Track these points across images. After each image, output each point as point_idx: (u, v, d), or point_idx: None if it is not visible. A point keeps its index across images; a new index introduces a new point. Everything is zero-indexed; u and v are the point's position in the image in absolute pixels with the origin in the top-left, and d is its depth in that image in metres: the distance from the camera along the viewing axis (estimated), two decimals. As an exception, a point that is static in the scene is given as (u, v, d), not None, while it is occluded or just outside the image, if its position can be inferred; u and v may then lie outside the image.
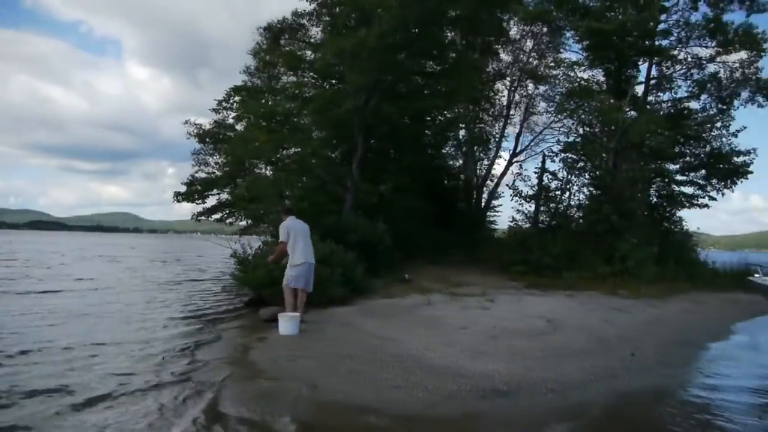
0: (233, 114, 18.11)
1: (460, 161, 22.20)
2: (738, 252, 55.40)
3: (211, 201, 20.81)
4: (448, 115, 19.06)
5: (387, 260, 13.71)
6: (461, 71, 15.60)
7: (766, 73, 18.76)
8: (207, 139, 20.98)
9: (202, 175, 20.83)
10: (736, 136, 19.38)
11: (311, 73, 15.85)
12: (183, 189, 20.42)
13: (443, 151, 21.01)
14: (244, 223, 20.37)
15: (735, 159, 19.22)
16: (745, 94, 19.00)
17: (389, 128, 14.88)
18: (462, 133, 21.67)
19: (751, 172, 19.25)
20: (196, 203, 20.78)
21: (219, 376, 6.38)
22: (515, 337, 8.43)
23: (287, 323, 8.27)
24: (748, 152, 19.08)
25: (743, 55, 18.45)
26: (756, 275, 10.72)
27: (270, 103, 15.47)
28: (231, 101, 17.35)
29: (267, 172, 16.52)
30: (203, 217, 21.18)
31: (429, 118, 18.29)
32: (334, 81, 15.78)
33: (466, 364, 6.98)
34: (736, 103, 19.26)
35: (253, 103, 14.95)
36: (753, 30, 17.67)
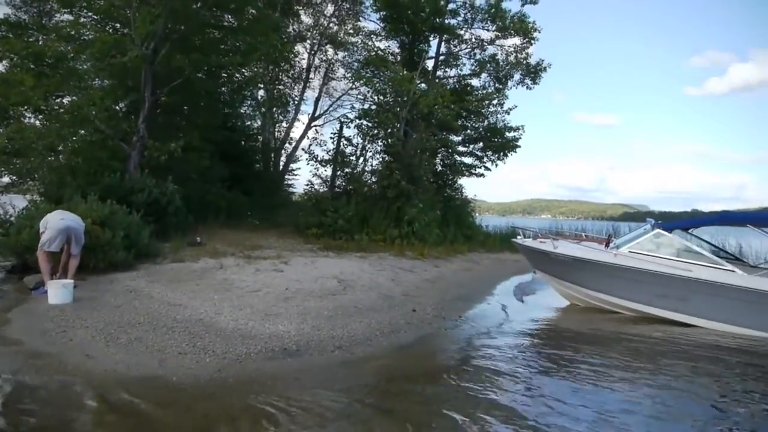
0: (-8, 52, 15.49)
1: (258, 122, 21.74)
2: (507, 217, 62.72)
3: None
4: (246, 74, 18.42)
5: (177, 223, 13.01)
6: (260, 29, 15.05)
7: (533, 59, 21.05)
8: (-44, 79, 17.78)
9: (-50, 121, 17.68)
10: (509, 114, 21.83)
11: (91, 13, 14.08)
12: None
13: (240, 110, 20.35)
14: (6, 179, 17.77)
15: (507, 134, 21.58)
16: (517, 76, 21.26)
17: (182, 82, 13.89)
18: (260, 93, 21.19)
19: (520, 147, 21.85)
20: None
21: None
22: (307, 298, 8.60)
23: (57, 291, 7.47)
24: (517, 128, 21.58)
25: (517, 41, 20.52)
26: (519, 237, 12.17)
27: (39, 42, 13.45)
28: (-13, 36, 14.74)
29: (35, 121, 14.48)
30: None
31: (225, 75, 17.48)
32: (118, 25, 14.23)
33: (257, 327, 6.97)
34: (510, 83, 21.50)
35: (16, 40, 12.81)
36: (525, 19, 19.74)
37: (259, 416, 4.52)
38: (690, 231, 11.15)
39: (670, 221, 11.49)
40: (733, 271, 9.24)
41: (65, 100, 14.00)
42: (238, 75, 17.93)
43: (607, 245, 10.90)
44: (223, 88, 17.79)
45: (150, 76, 13.28)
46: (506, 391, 5.47)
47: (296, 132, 22.83)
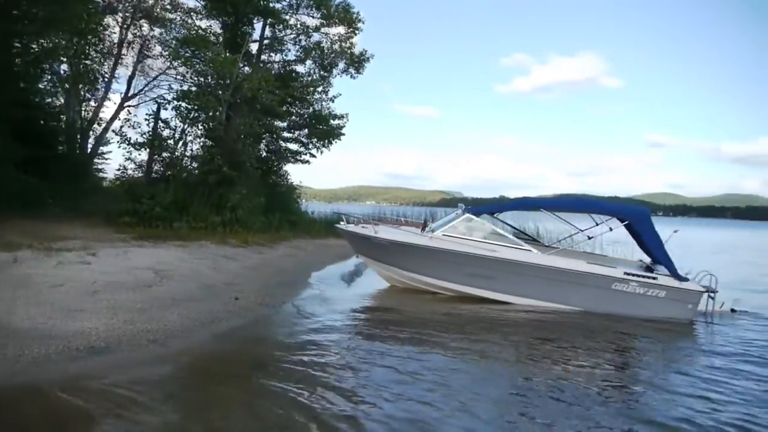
0: None
1: (61, 100, 19.60)
2: (334, 204, 64.02)
3: None
4: (46, 45, 16.51)
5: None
6: (63, -4, 13.61)
7: (358, 49, 21.56)
8: None
9: None
10: (333, 101, 22.22)
11: None
12: None
13: (39, 86, 18.20)
14: None
15: (332, 121, 21.95)
16: (341, 65, 21.66)
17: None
18: (64, 67, 19.14)
19: (345, 134, 22.40)
20: None
21: None
22: (118, 291, 8.06)
23: None
24: (342, 116, 22.05)
25: (342, 30, 20.87)
26: (342, 223, 12.49)
27: None
28: None
29: None
30: None
31: (20, 45, 15.54)
32: None
33: (59, 325, 6.39)
34: (334, 71, 21.83)
35: None
36: (350, 9, 20.17)
37: (57, 422, 4.18)
38: (496, 215, 12.32)
39: (480, 206, 12.63)
40: (531, 250, 10.41)
41: None
42: (35, 46, 16.04)
43: (423, 229, 11.62)
44: (17, 60, 15.80)
45: None
46: (327, 375, 5.63)
47: (107, 112, 20.95)
